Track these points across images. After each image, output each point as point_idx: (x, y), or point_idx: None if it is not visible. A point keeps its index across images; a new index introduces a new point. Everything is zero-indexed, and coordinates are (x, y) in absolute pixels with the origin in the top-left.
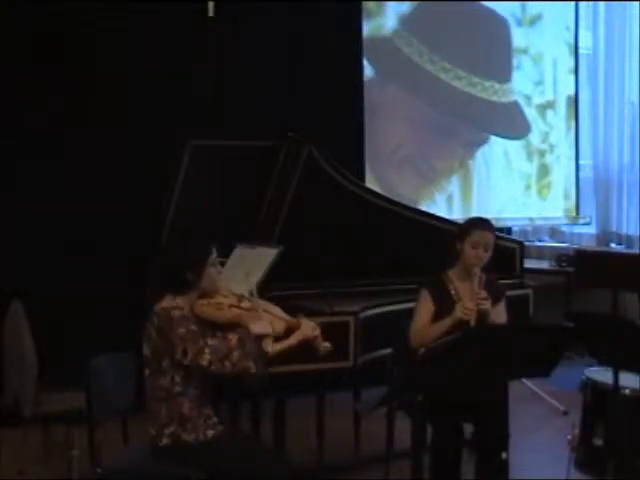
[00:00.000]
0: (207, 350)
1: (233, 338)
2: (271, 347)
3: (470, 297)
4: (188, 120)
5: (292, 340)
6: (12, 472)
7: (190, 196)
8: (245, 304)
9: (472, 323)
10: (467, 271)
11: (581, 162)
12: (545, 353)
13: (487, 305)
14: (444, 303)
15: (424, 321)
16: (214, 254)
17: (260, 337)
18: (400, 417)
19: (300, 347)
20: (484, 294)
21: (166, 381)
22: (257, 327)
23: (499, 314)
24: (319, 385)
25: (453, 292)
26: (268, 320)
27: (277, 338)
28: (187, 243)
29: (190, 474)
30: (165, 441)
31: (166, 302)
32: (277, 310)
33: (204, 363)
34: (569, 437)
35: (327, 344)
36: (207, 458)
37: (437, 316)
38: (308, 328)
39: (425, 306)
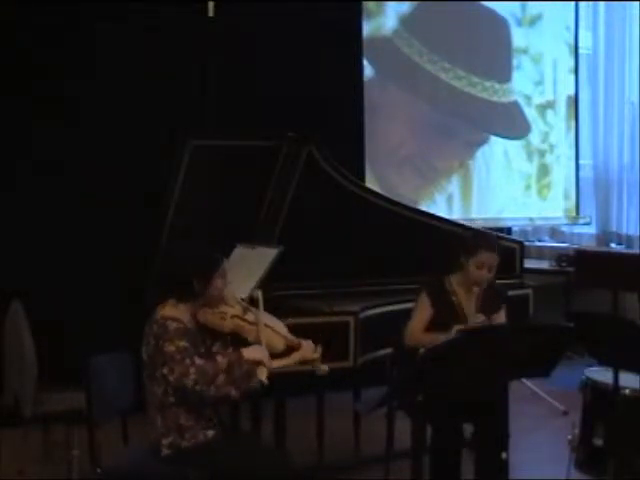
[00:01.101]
0: (192, 370)
1: (223, 362)
2: (265, 377)
3: (469, 315)
4: (188, 120)
5: (290, 360)
6: (12, 472)
7: (190, 196)
8: (249, 316)
9: None
10: (469, 286)
11: (581, 162)
12: (545, 353)
13: None
14: (443, 307)
15: (420, 325)
16: (224, 265)
17: (255, 363)
18: (400, 417)
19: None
20: (482, 318)
21: (160, 390)
22: (250, 352)
23: (498, 319)
24: (319, 385)
25: (454, 298)
26: (268, 336)
27: (276, 354)
28: (197, 250)
29: (190, 474)
30: (165, 452)
31: (167, 309)
32: (280, 327)
33: (189, 383)
34: (569, 437)
35: (325, 367)
36: (207, 458)
37: (435, 319)
38: (308, 350)
39: (423, 310)
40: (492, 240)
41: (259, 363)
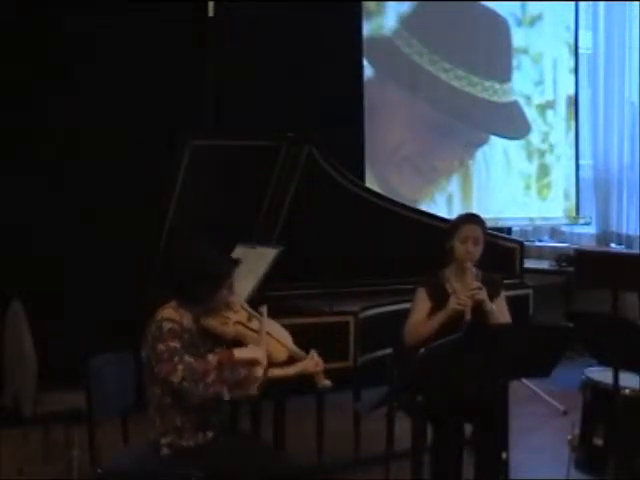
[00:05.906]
0: (180, 367)
1: (213, 360)
2: (261, 372)
3: (464, 290)
4: (188, 120)
5: (291, 371)
6: (12, 472)
7: (190, 196)
8: (253, 324)
9: (468, 314)
10: (461, 268)
11: (581, 162)
12: (545, 353)
13: (482, 295)
14: (441, 301)
15: (419, 317)
16: (232, 277)
17: (249, 362)
18: (400, 417)
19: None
20: (477, 284)
21: (158, 390)
22: (242, 352)
23: (501, 309)
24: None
25: (450, 291)
26: (270, 345)
27: (277, 363)
28: (210, 259)
29: (190, 474)
30: (165, 451)
31: (167, 311)
32: (285, 338)
33: (176, 380)
34: (569, 437)
35: (327, 382)
36: (207, 459)
37: (434, 312)
38: (311, 364)
39: (421, 303)
40: (473, 214)
41: (253, 362)
